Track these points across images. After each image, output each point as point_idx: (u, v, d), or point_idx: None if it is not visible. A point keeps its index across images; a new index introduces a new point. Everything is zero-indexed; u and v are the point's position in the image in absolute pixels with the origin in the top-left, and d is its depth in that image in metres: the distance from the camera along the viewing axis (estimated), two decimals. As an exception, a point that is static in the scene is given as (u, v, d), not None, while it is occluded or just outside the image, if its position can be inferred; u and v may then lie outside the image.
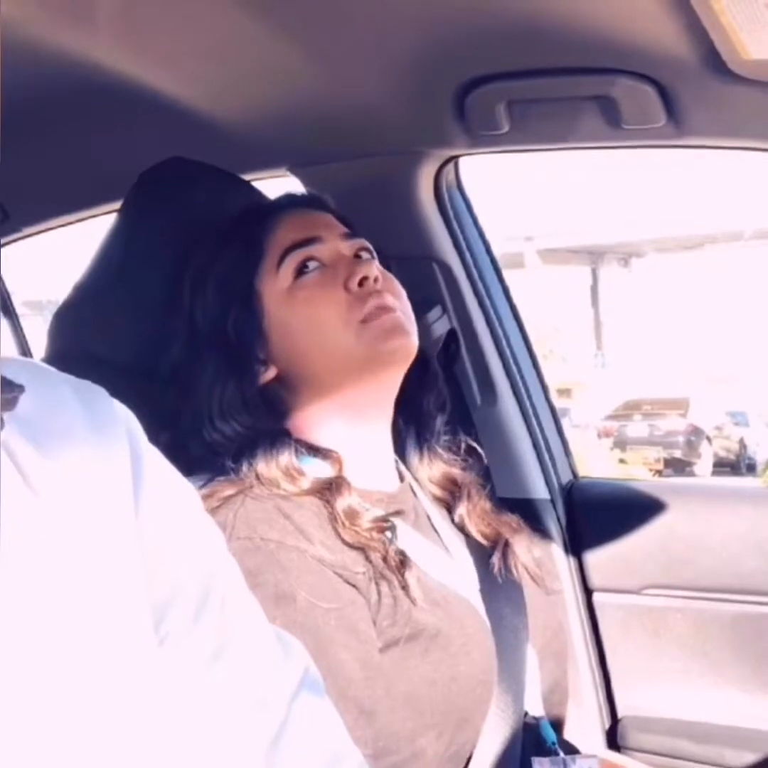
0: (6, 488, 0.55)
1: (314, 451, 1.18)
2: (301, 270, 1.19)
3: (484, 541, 1.27)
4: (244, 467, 1.13)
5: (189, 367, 1.20)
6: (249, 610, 0.71)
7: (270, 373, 1.20)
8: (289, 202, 1.29)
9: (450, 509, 1.30)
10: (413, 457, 1.31)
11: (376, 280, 1.18)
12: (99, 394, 0.66)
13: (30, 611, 0.54)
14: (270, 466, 1.13)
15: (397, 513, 1.17)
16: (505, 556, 1.26)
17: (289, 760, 0.69)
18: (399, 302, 1.20)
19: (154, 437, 0.68)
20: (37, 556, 0.55)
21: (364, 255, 1.23)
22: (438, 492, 1.31)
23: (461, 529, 1.29)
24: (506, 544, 1.28)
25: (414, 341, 1.20)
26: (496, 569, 1.25)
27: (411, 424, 1.30)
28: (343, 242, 1.22)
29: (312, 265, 1.19)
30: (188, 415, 1.19)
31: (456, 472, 1.31)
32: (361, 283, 1.17)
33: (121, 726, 0.56)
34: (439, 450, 1.31)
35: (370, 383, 1.20)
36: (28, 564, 0.55)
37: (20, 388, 0.56)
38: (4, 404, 0.55)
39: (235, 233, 1.24)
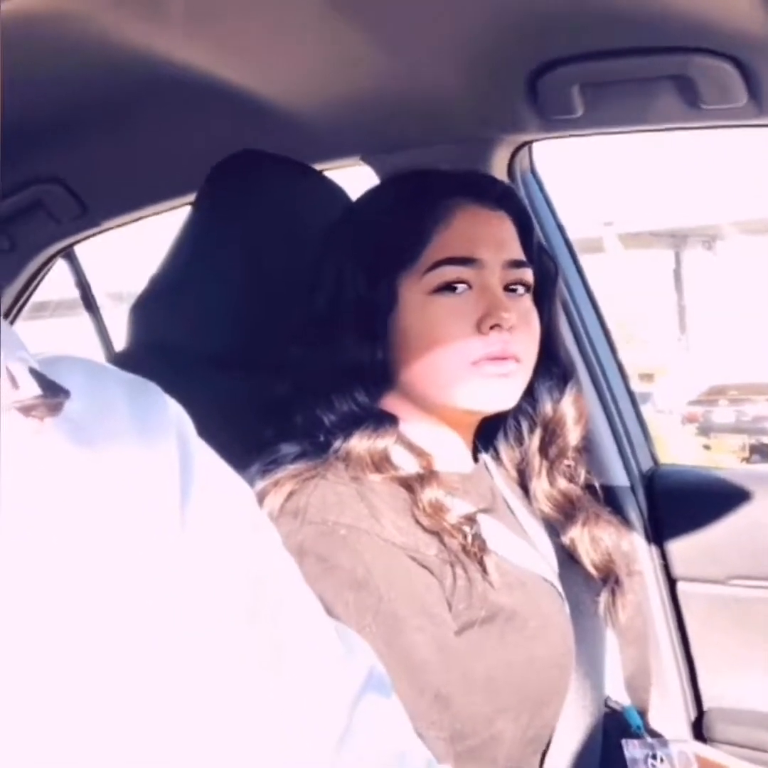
0: (53, 488, 0.55)
1: (409, 446, 1.16)
2: (445, 286, 1.14)
3: (594, 573, 1.23)
4: (337, 444, 1.12)
5: (329, 332, 1.18)
6: (308, 611, 0.70)
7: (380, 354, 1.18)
8: (469, 190, 1.20)
9: (559, 528, 1.25)
10: (532, 470, 1.27)
11: (510, 328, 1.14)
12: (152, 393, 0.65)
13: (70, 616, 0.53)
14: (367, 448, 1.12)
15: (485, 510, 1.15)
16: (613, 595, 1.23)
17: (353, 765, 0.67)
18: (524, 346, 1.16)
19: (215, 429, 0.67)
20: (79, 554, 0.55)
21: (519, 289, 1.18)
22: (549, 510, 1.26)
23: (569, 554, 1.24)
24: (616, 582, 1.23)
25: (509, 396, 1.16)
26: (601, 608, 1.21)
27: (535, 433, 1.26)
28: (503, 271, 1.17)
29: (459, 287, 1.15)
30: (325, 382, 1.16)
31: (577, 491, 1.27)
32: (491, 327, 1.14)
33: (164, 732, 0.55)
34: (564, 464, 1.27)
35: (454, 413, 1.18)
36: (71, 563, 0.54)
37: (66, 394, 0.56)
38: (50, 409, 0.55)
39: (406, 208, 1.19)
